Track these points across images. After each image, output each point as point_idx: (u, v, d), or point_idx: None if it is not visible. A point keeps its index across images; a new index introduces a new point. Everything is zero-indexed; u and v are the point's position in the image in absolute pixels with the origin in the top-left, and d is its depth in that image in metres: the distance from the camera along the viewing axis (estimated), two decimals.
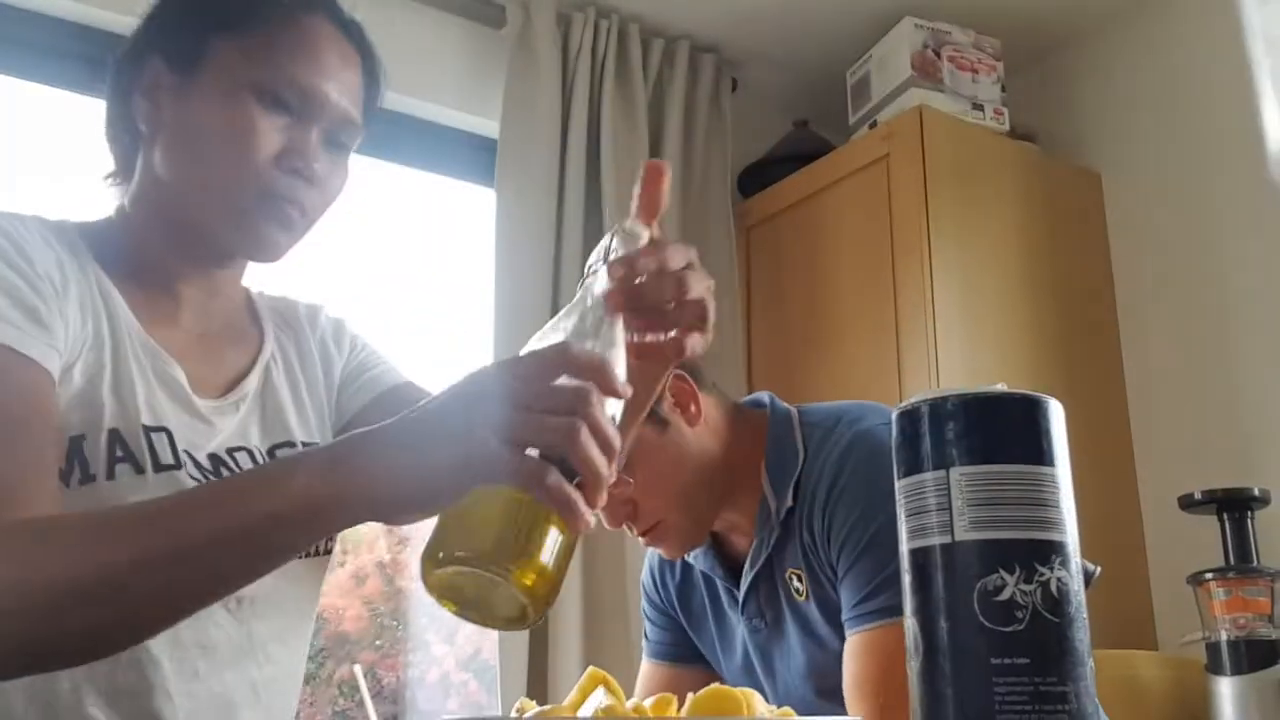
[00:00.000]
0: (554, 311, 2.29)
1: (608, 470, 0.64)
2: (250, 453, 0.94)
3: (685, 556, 1.35)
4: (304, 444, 0.99)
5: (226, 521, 0.68)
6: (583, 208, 2.33)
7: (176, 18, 0.94)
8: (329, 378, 1.06)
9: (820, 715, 0.76)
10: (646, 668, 1.46)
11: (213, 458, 0.91)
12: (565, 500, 0.61)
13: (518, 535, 0.61)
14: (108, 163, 0.99)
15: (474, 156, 2.45)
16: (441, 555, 0.61)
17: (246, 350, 1.01)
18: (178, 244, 0.94)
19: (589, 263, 0.74)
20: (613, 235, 0.73)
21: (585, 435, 0.62)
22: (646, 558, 1.48)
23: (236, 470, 0.92)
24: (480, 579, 0.61)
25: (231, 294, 1.02)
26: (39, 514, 0.73)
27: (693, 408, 1.27)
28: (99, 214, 0.97)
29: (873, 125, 2.43)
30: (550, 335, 0.69)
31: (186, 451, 0.88)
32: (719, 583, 1.33)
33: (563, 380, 0.63)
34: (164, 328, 0.93)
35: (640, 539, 1.28)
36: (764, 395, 1.35)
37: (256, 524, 0.67)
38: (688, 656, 1.40)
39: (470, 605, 0.64)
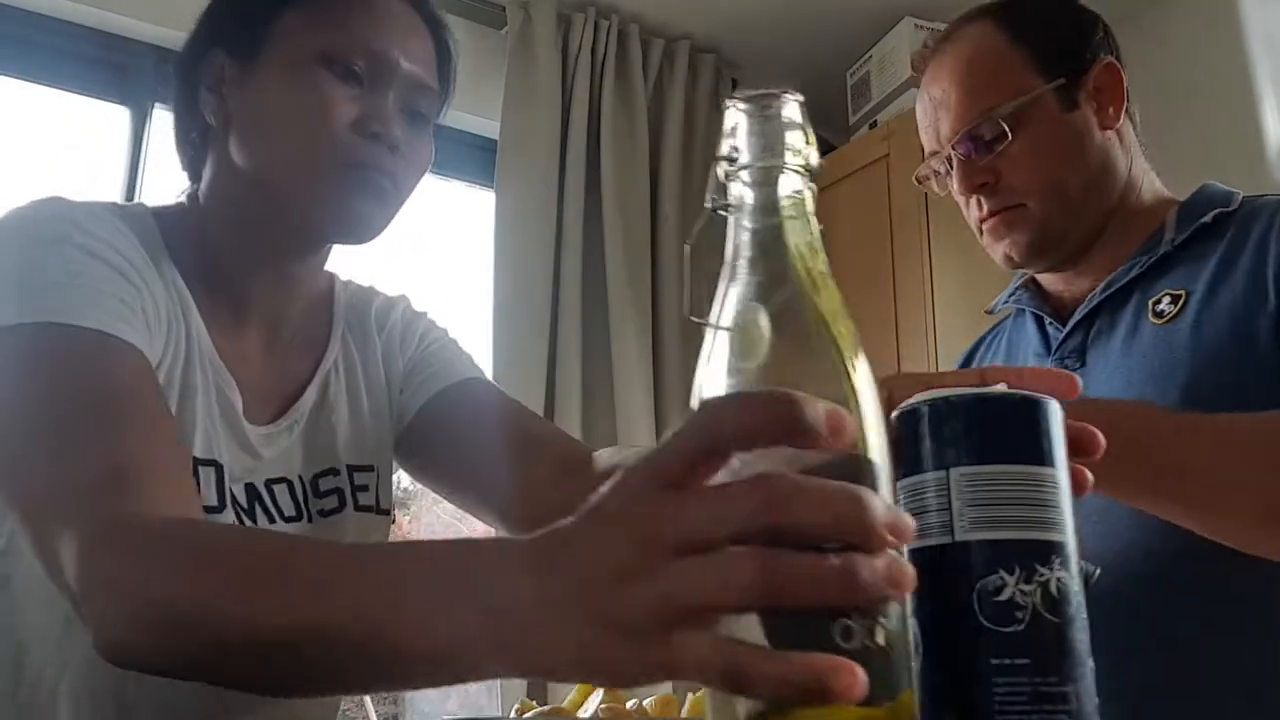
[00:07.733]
0: (554, 312, 2.28)
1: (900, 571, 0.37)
2: (290, 484, 0.91)
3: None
4: (349, 467, 0.95)
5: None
6: (583, 208, 2.34)
7: (235, 2, 0.90)
8: (391, 380, 1.00)
9: None
10: None
11: (249, 489, 0.88)
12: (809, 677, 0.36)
13: None
14: (180, 176, 0.94)
15: (474, 157, 2.45)
16: None
17: (311, 356, 0.96)
18: (258, 237, 0.88)
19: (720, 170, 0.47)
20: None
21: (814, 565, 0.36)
22: None
23: (270, 505, 0.88)
24: None
25: (307, 291, 0.96)
26: (172, 493, 0.66)
27: (1112, 110, 1.08)
28: (172, 201, 0.92)
29: (873, 125, 2.43)
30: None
31: (230, 488, 0.85)
32: (1032, 328, 1.17)
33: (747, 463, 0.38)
34: (231, 335, 0.89)
35: (981, 226, 1.10)
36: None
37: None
38: None
39: None
